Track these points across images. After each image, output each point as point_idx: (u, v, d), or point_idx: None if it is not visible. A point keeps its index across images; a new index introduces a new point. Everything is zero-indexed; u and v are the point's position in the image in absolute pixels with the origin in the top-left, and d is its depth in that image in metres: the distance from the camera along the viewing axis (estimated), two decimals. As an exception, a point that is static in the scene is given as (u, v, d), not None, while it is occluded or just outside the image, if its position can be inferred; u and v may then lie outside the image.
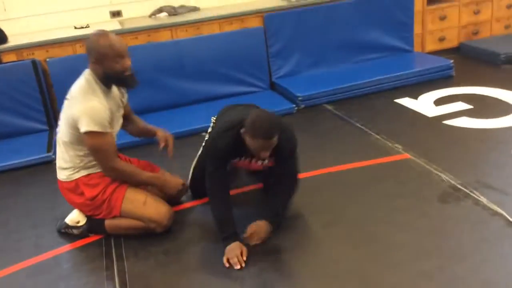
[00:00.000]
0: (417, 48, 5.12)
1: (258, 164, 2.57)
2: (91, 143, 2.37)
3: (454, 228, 2.43)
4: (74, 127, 2.38)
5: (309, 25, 4.64)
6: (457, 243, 2.31)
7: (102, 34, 2.39)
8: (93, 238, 2.65)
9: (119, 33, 4.22)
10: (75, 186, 2.52)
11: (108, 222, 2.56)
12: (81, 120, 2.32)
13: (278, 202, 2.50)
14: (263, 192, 2.87)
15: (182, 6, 4.79)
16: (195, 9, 4.83)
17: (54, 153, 3.68)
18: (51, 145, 3.81)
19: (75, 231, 2.63)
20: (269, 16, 4.54)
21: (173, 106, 4.26)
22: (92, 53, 2.38)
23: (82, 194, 2.52)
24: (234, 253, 2.30)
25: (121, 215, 2.52)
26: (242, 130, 2.32)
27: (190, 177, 2.87)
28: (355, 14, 4.75)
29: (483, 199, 2.60)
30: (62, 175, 2.55)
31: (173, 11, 4.70)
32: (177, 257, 2.43)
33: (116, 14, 4.73)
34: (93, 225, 2.60)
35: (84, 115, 2.32)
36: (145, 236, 2.56)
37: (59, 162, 2.56)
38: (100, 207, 2.52)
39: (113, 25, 4.45)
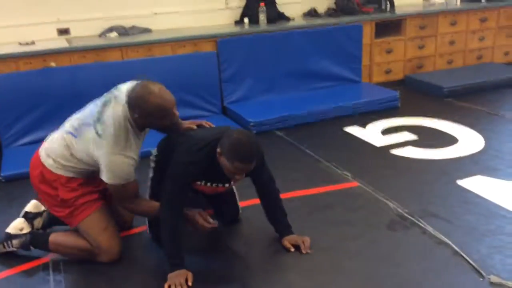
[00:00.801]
0: (364, 79, 5.27)
1: (221, 187, 2.50)
2: (112, 190, 2.33)
3: (402, 256, 2.45)
4: (92, 160, 2.31)
5: (262, 52, 4.68)
6: (406, 272, 2.32)
7: (151, 91, 2.23)
8: (30, 264, 2.48)
9: (66, 51, 4.12)
10: (53, 179, 2.38)
11: (53, 237, 2.48)
12: (105, 171, 2.26)
13: (281, 214, 2.56)
14: (215, 217, 2.79)
15: (133, 27, 4.72)
16: (146, 30, 4.76)
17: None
18: (-11, 165, 3.59)
19: (15, 243, 2.51)
20: (223, 41, 4.55)
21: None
22: (136, 110, 2.22)
23: (56, 189, 2.38)
24: (178, 280, 2.23)
25: (76, 228, 2.44)
26: (218, 151, 2.22)
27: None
28: (307, 44, 4.84)
29: (430, 228, 2.65)
30: (48, 161, 2.38)
31: (124, 31, 4.62)
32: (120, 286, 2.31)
33: (63, 31, 4.58)
34: (36, 237, 2.52)
35: (109, 169, 2.25)
36: (86, 263, 2.44)
37: (51, 149, 2.39)
38: (65, 209, 2.41)
39: (60, 42, 4.32)
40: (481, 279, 2.23)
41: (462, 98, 4.87)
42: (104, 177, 2.27)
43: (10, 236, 2.53)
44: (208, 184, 2.42)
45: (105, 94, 2.39)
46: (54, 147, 2.38)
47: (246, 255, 2.53)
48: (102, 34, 4.60)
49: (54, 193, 2.39)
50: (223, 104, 4.60)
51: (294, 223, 2.60)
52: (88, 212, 2.40)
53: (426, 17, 5.45)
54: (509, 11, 5.83)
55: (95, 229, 2.40)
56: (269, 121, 4.22)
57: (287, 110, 4.36)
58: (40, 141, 3.88)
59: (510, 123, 4.17)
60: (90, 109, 2.37)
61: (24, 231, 2.53)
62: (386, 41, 5.34)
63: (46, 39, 4.44)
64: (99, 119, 2.26)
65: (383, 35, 5.33)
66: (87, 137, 2.28)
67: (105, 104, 2.31)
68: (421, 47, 5.52)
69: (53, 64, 4.07)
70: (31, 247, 2.52)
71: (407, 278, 2.28)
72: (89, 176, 2.42)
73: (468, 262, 2.34)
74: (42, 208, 2.68)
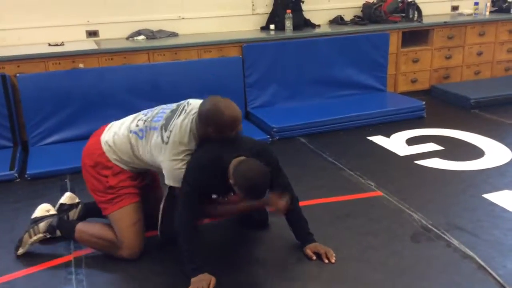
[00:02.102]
0: (390, 88, 5.22)
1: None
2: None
3: (426, 269, 2.41)
4: (154, 162, 2.43)
5: (287, 58, 4.68)
6: (429, 285, 2.29)
7: (227, 106, 2.33)
8: (52, 263, 2.51)
9: (94, 53, 4.19)
10: (108, 167, 2.49)
11: (80, 225, 2.56)
12: (167, 176, 2.39)
13: (302, 221, 2.56)
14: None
15: (160, 31, 4.77)
16: (173, 34, 4.81)
17: (17, 171, 3.55)
18: (14, 163, 3.66)
19: (41, 226, 2.57)
20: (248, 47, 4.56)
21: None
22: (211, 122, 2.30)
23: (106, 176, 2.49)
24: (201, 284, 2.23)
25: (108, 216, 2.51)
26: (230, 180, 2.26)
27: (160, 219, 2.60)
28: (332, 51, 4.83)
29: (455, 241, 2.60)
30: (109, 153, 2.49)
31: (151, 34, 4.67)
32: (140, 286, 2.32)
33: (92, 33, 4.65)
34: (64, 222, 2.62)
35: (171, 175, 2.37)
36: (108, 262, 2.46)
37: (114, 143, 2.49)
38: (107, 195, 2.49)
39: (89, 44, 4.38)
40: (507, 295, 2.18)
41: (488, 110, 4.79)
42: (168, 181, 2.39)
43: (36, 220, 2.59)
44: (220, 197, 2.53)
45: (175, 104, 2.52)
46: (118, 143, 2.49)
47: (268, 262, 2.51)
48: (130, 37, 4.66)
49: (104, 179, 2.48)
50: (246, 110, 4.61)
51: (316, 231, 2.58)
52: (125, 203, 2.48)
53: (454, 27, 5.39)
54: (540, 23, 5.72)
55: (125, 221, 2.46)
56: (292, 127, 4.21)
57: (310, 117, 4.34)
58: (65, 141, 4.01)
59: (539, 137, 4.09)
60: (158, 113, 2.48)
61: (51, 212, 2.63)
62: (412, 50, 5.29)
63: (75, 40, 4.51)
64: (166, 126, 2.37)
65: (409, 44, 5.28)
66: (152, 141, 2.39)
67: (173, 113, 2.42)
68: (448, 57, 5.45)
69: (81, 65, 4.13)
70: (57, 231, 2.58)
71: (430, 291, 2.24)
72: (139, 172, 2.57)
73: (494, 277, 2.29)
74: (77, 199, 2.78)
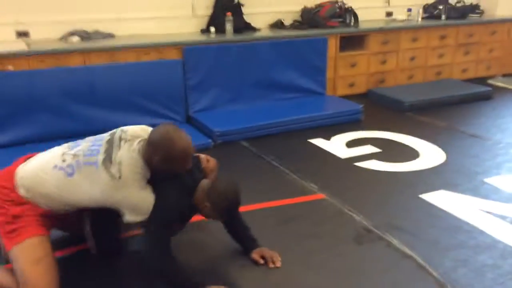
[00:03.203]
0: (329, 91, 5.32)
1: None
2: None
3: (368, 270, 2.45)
4: (94, 202, 2.16)
5: (228, 62, 4.65)
6: (371, 285, 2.33)
7: (178, 137, 2.14)
8: None
9: (24, 55, 3.96)
10: (19, 202, 2.14)
11: None
12: (132, 210, 2.15)
13: (244, 228, 2.52)
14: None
15: (96, 32, 4.59)
16: (110, 35, 4.65)
17: None
18: None
19: None
20: (189, 50, 4.49)
21: (81, 134, 3.96)
22: (160, 152, 2.11)
23: (8, 203, 2.15)
24: None
25: (9, 253, 2.12)
26: (205, 203, 2.23)
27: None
28: (273, 55, 4.85)
29: (395, 241, 2.66)
30: (23, 191, 2.14)
31: (86, 35, 4.49)
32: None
33: (22, 34, 4.41)
34: None
35: (138, 206, 2.14)
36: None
37: (33, 181, 2.14)
38: (7, 225, 2.12)
39: (19, 45, 4.14)
40: (446, 292, 2.25)
41: (422, 112, 4.98)
42: (133, 217, 2.14)
43: None
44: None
45: (105, 134, 2.27)
46: (37, 180, 2.14)
47: (210, 271, 2.44)
48: (63, 38, 4.46)
49: (7, 207, 2.14)
50: (187, 113, 4.53)
51: (259, 236, 2.56)
52: (28, 234, 2.11)
53: (389, 32, 5.56)
54: (467, 30, 6.03)
55: (28, 257, 2.08)
56: (234, 131, 4.18)
57: (252, 120, 4.33)
58: (-6, 147, 3.77)
59: (468, 138, 4.28)
60: (89, 147, 2.18)
61: None
62: (350, 55, 5.41)
63: (4, 41, 4.25)
64: (109, 160, 2.10)
65: (347, 49, 5.40)
66: (97, 179, 2.09)
67: (111, 144, 2.16)
68: (383, 62, 5.62)
69: (10, 67, 3.90)
70: None
71: (374, 292, 2.28)
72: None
73: (433, 276, 2.37)
74: None
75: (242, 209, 2.89)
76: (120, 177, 2.08)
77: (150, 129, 2.29)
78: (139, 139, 2.19)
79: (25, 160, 2.28)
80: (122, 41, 4.50)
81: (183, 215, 2.32)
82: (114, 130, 2.27)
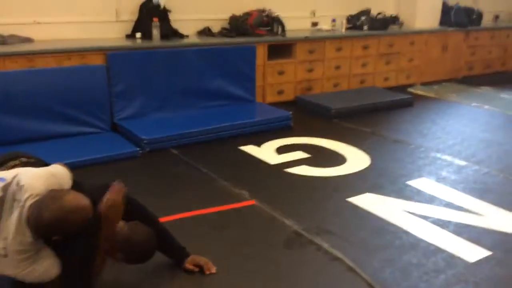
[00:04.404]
0: (258, 98, 5.34)
1: None
2: None
3: (300, 274, 2.45)
4: None
5: (155, 68, 4.54)
6: (304, 289, 2.33)
7: (70, 210, 1.85)
8: None
9: None
10: None
11: None
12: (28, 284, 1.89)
13: (170, 238, 2.40)
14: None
15: (12, 36, 4.33)
16: (28, 40, 4.40)
17: None
18: None
19: None
20: (113, 55, 4.34)
21: (-4, 144, 3.73)
22: (54, 234, 1.87)
23: None
24: None
25: None
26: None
27: None
28: (202, 62, 4.80)
29: (325, 245, 2.70)
30: None
31: (1, 40, 4.22)
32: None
33: None
34: None
35: (32, 280, 1.89)
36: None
37: None
38: None
39: None
40: (375, 292, 2.30)
41: (347, 119, 5.12)
42: (33, 281, 1.90)
43: None
44: None
45: None
46: None
47: (140, 285, 2.34)
48: (-24, 42, 4.17)
49: None
50: (113, 121, 4.37)
51: (190, 245, 2.49)
52: None
53: (314, 42, 5.70)
54: (388, 40, 6.31)
55: None
56: (163, 138, 4.08)
57: (182, 128, 4.25)
58: None
59: (392, 143, 4.46)
60: None
61: None
62: (278, 63, 5.48)
63: None
64: None
65: (275, 57, 5.46)
66: None
67: (1, 205, 1.86)
68: (310, 70, 5.74)
69: None
70: None
71: (305, 295, 2.29)
72: None
73: (362, 277, 2.41)
74: None
75: (173, 217, 2.84)
76: (5, 256, 1.83)
77: (52, 176, 1.97)
78: (31, 202, 1.84)
79: None
80: (41, 45, 4.27)
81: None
82: (10, 180, 1.90)
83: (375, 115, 5.33)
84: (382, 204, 3.21)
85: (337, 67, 5.96)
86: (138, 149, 3.93)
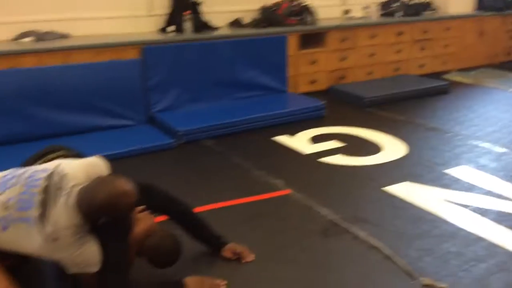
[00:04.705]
0: (291, 89, 5.32)
1: None
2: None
3: (336, 262, 2.45)
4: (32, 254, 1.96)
5: (188, 61, 4.59)
6: (340, 277, 2.33)
7: (122, 193, 1.91)
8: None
9: (-26, 55, 3.79)
10: None
11: None
12: (78, 268, 1.95)
13: (206, 227, 2.45)
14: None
15: (50, 32, 4.44)
16: (64, 36, 4.51)
17: None
18: None
19: None
20: (148, 49, 4.40)
21: (37, 137, 3.82)
22: (101, 214, 1.93)
23: None
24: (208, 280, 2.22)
25: None
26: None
27: None
28: (233, 53, 4.82)
29: (361, 233, 2.68)
30: None
31: (39, 36, 4.33)
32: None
33: (-28, 35, 4.23)
34: None
35: (84, 265, 1.95)
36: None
37: None
38: None
39: (-31, 46, 3.97)
40: (413, 281, 2.28)
41: (381, 107, 5.06)
42: (76, 270, 1.96)
43: None
44: None
45: (41, 173, 1.97)
46: None
47: (180, 272, 2.38)
48: (16, 39, 4.29)
49: None
50: (149, 114, 4.44)
51: (227, 234, 2.51)
52: None
53: (346, 30, 5.63)
54: (422, 26, 6.17)
55: None
56: (197, 130, 4.12)
57: (215, 119, 4.29)
58: None
59: (428, 131, 4.38)
60: (21, 194, 1.92)
61: None
62: (310, 52, 5.44)
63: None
64: (43, 216, 1.87)
65: (307, 46, 5.42)
66: (32, 239, 1.88)
67: (47, 194, 1.91)
68: (342, 59, 5.68)
69: (-41, 69, 3.73)
70: None
71: (341, 283, 2.29)
72: None
73: (400, 266, 2.39)
74: None
75: (207, 207, 2.87)
76: (55, 240, 1.88)
77: (91, 167, 2.04)
78: (78, 188, 1.93)
79: None
80: (77, 41, 4.37)
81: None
82: (52, 170, 1.98)
83: (410, 103, 5.24)
84: (420, 192, 3.16)
85: (371, 55, 5.87)
86: (173, 140, 3.98)
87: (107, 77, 4.21)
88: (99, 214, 1.92)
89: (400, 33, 6.01)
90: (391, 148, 3.95)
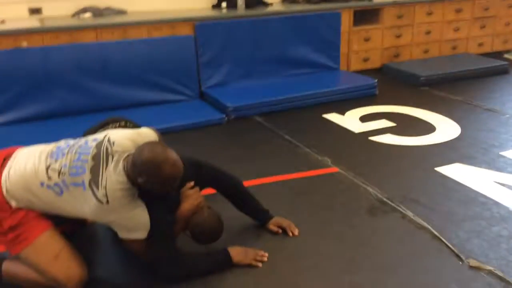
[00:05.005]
0: (343, 66, 5.27)
1: None
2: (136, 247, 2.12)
3: (382, 240, 2.45)
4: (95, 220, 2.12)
5: (240, 37, 4.62)
6: (386, 255, 2.33)
7: (165, 161, 1.96)
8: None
9: (38, 31, 3.98)
10: (12, 211, 2.03)
11: (5, 267, 2.12)
12: (127, 231, 2.05)
13: (254, 200, 2.50)
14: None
15: (108, 8, 4.58)
16: (121, 11, 4.64)
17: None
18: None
19: None
20: (201, 25, 4.47)
21: (94, 110, 3.99)
22: (144, 175, 1.95)
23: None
24: (250, 252, 2.27)
25: (20, 257, 2.05)
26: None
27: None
28: (286, 30, 4.80)
29: (409, 213, 2.66)
30: (12, 202, 2.02)
31: (98, 12, 4.48)
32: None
33: (35, 11, 4.43)
34: None
35: (133, 228, 2.05)
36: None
37: (20, 193, 2.01)
38: (6, 236, 2.04)
39: (32, 22, 4.17)
40: (460, 262, 2.25)
41: (437, 87, 4.92)
42: (126, 235, 2.07)
43: None
44: None
45: (91, 141, 2.07)
46: (28, 198, 2.01)
47: (226, 243, 2.45)
48: (76, 15, 4.46)
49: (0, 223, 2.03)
50: (200, 89, 4.53)
51: (273, 208, 2.56)
52: (32, 238, 2.02)
53: (403, 6, 5.47)
54: (483, 3, 5.90)
55: (43, 258, 2.02)
56: (248, 106, 4.17)
57: (266, 95, 4.32)
58: (11, 123, 3.81)
59: (484, 112, 4.23)
60: (73, 161, 2.01)
61: None
62: (364, 29, 5.34)
63: (17, 18, 4.27)
64: (96, 181, 1.96)
65: (361, 23, 5.32)
66: (85, 203, 1.98)
67: (97, 160, 2.00)
68: (398, 36, 5.54)
69: (25, 44, 3.92)
70: None
71: (386, 261, 2.28)
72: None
73: (447, 246, 2.36)
74: None
75: (255, 182, 2.93)
76: (107, 202, 1.96)
77: (139, 136, 2.13)
78: (126, 155, 2.02)
79: (3, 161, 2.09)
80: (134, 17, 4.49)
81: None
82: (101, 138, 2.07)
83: (467, 83, 5.06)
84: (472, 174, 3.08)
85: (427, 33, 5.69)
86: (223, 116, 4.05)
87: (162, 53, 4.31)
88: (142, 176, 1.96)
89: (459, 10, 5.78)
90: (445, 128, 3.85)
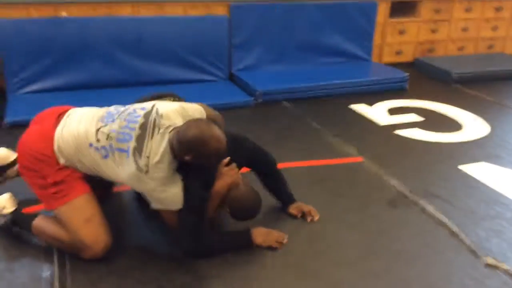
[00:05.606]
0: (374, 58, 5.23)
1: None
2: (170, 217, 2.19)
3: (401, 232, 2.47)
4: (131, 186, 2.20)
5: (274, 21, 4.63)
6: (404, 247, 2.35)
7: (211, 138, 2.02)
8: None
9: (77, 2, 4.06)
10: (54, 164, 2.12)
11: (36, 222, 2.22)
12: (156, 204, 2.12)
13: (283, 183, 2.56)
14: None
15: (146, -16, 4.63)
16: (160, -12, 4.68)
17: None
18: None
19: None
20: (236, 7, 4.48)
21: (124, 84, 4.08)
22: (191, 152, 2.02)
23: (46, 174, 2.13)
24: (272, 234, 2.30)
25: (54, 213, 2.16)
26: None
27: None
28: (320, 17, 4.79)
29: (430, 208, 2.67)
30: (62, 160, 2.12)
31: (136, -13, 4.54)
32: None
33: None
34: (20, 219, 2.28)
35: (163, 203, 2.11)
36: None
37: (71, 153, 2.11)
38: (47, 190, 2.13)
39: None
40: (477, 259, 2.26)
41: (470, 85, 4.85)
42: (158, 206, 2.13)
43: None
44: None
45: (139, 111, 2.13)
46: (77, 158, 2.11)
47: (246, 223, 2.50)
48: (114, -12, 4.52)
49: (46, 176, 2.12)
50: (230, 71, 4.56)
51: (296, 193, 2.60)
52: (72, 196, 2.11)
53: (442, 1, 5.38)
54: (526, 3, 5.77)
55: (76, 219, 2.10)
56: (276, 91, 4.20)
57: (295, 82, 4.33)
58: (45, 91, 3.92)
59: (516, 114, 4.18)
60: (122, 128, 2.09)
61: (6, 211, 2.28)
62: (400, 21, 5.28)
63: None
64: (140, 150, 2.03)
65: (397, 15, 5.26)
66: (126, 169, 2.06)
67: (144, 130, 2.06)
68: (434, 31, 5.47)
69: (64, 13, 4.01)
70: (13, 228, 2.29)
71: (404, 252, 2.31)
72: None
73: (465, 243, 2.37)
74: (12, 157, 2.55)
75: (279, 166, 2.95)
76: (147, 172, 2.02)
77: (185, 111, 2.17)
78: (172, 128, 2.08)
79: (58, 117, 2.19)
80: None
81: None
82: (150, 109, 2.13)
83: (501, 83, 4.98)
84: (498, 175, 3.06)
85: (464, 29, 5.60)
86: (252, 98, 4.09)
87: (196, 32, 4.35)
88: (187, 152, 2.02)
89: (499, 9, 5.65)
90: (473, 127, 3.82)
